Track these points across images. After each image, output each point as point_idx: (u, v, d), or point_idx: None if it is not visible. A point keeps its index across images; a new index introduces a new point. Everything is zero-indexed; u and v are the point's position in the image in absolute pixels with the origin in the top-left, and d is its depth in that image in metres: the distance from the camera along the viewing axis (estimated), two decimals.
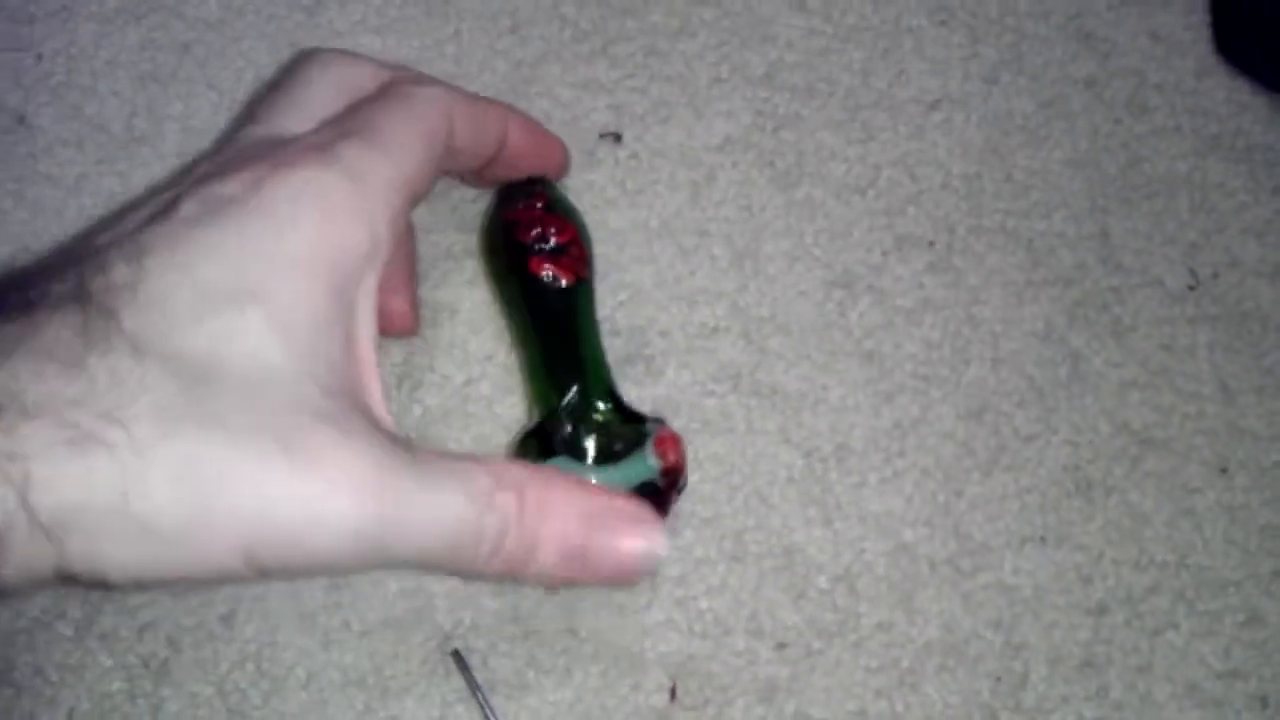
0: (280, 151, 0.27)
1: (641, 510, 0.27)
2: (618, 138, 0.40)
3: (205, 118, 0.40)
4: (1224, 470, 0.36)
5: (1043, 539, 0.35)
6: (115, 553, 0.23)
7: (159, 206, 0.27)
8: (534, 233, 0.33)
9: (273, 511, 0.23)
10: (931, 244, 0.39)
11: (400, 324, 0.35)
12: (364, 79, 0.31)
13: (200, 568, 0.24)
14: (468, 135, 0.31)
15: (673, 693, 0.32)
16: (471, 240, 0.38)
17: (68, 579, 0.23)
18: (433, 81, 0.31)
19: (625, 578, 0.27)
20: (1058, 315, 0.38)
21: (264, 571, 0.24)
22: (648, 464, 0.30)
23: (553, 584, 0.29)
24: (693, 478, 0.35)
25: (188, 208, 0.25)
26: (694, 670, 0.32)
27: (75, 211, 0.38)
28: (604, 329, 0.35)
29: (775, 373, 0.37)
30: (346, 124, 0.29)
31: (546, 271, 0.33)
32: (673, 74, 0.41)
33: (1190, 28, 0.43)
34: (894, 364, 0.37)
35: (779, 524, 0.34)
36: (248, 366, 0.24)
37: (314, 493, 0.23)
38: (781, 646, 0.33)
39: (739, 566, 0.34)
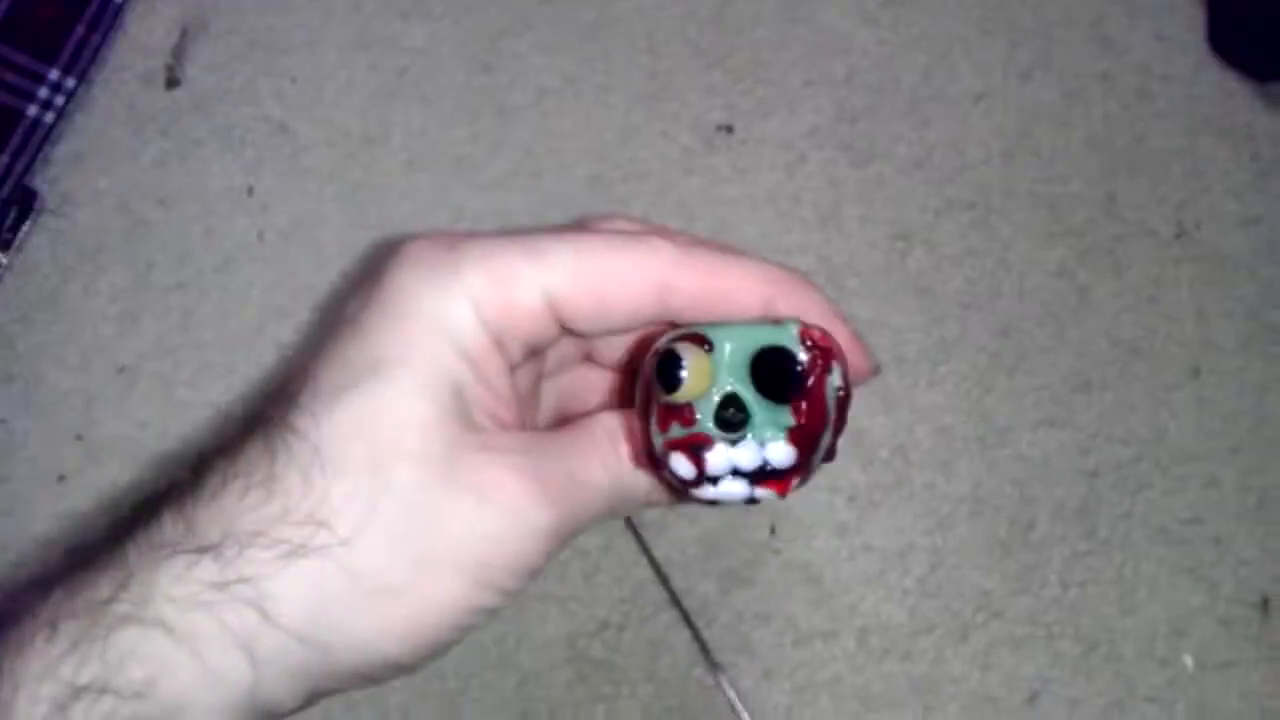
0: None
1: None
2: (730, 129, 0.52)
3: (421, 124, 0.53)
4: (1196, 373, 0.47)
5: (1051, 422, 0.46)
6: (362, 628, 0.25)
7: None
8: None
9: (479, 543, 0.26)
10: (973, 205, 0.50)
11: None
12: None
13: (438, 610, 0.26)
14: (693, 302, 0.28)
15: (772, 529, 0.45)
16: None
17: (329, 682, 0.26)
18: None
19: None
20: (1071, 259, 0.49)
21: (505, 591, 0.26)
22: (789, 332, 0.27)
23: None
24: None
25: (350, 307, 0.28)
26: (787, 515, 0.45)
27: (331, 194, 0.52)
28: None
29: (851, 304, 0.49)
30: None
31: None
32: (772, 79, 0.53)
33: (1190, 29, 0.53)
34: (941, 296, 0.49)
35: (851, 413, 0.46)
36: (404, 424, 0.26)
37: (501, 516, 0.26)
38: (852, 499, 0.45)
39: None
